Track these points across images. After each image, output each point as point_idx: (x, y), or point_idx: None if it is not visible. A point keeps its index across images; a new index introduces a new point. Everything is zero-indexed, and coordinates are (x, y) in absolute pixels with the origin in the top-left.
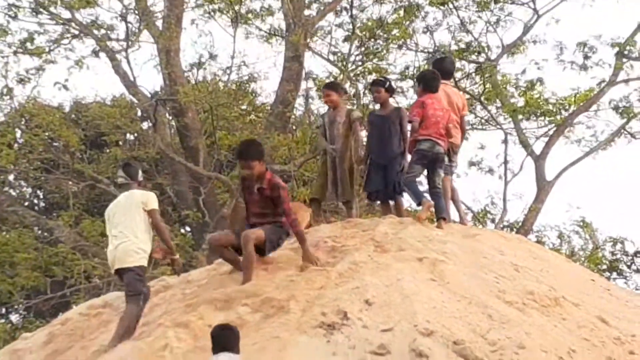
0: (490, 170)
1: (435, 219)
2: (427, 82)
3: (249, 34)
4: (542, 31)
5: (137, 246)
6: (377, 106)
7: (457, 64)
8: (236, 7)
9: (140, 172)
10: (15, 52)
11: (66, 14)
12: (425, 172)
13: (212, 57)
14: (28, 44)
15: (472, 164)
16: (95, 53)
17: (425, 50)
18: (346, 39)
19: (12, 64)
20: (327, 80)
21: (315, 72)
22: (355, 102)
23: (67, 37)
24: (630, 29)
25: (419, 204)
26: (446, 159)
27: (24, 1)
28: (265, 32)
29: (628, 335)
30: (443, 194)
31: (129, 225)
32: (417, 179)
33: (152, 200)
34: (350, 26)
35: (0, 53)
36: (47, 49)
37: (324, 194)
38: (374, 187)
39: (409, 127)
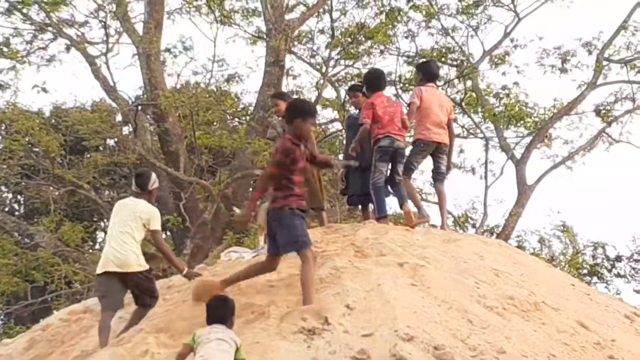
0: (472, 170)
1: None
2: (369, 81)
3: (235, 36)
4: (522, 34)
5: (138, 252)
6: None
7: (440, 71)
8: (216, 9)
9: (151, 181)
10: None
11: (39, 16)
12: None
13: (187, 49)
14: (4, 48)
15: (453, 165)
16: (67, 49)
17: (407, 54)
18: (327, 45)
19: None
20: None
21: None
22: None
23: (42, 39)
24: (610, 31)
25: (378, 219)
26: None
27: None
28: (251, 34)
29: (608, 340)
30: (441, 199)
31: (130, 232)
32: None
33: (154, 219)
34: (331, 31)
35: None
36: (23, 52)
37: None
38: (353, 191)
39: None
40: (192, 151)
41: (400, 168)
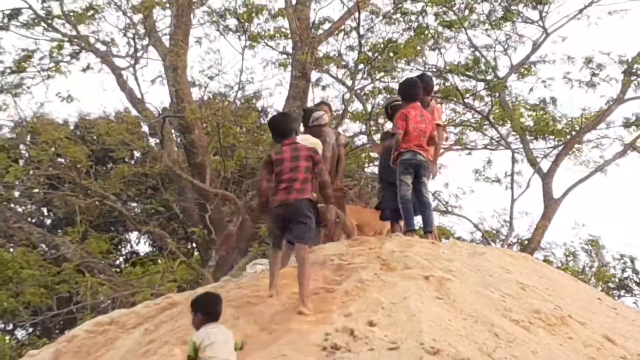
0: (498, 180)
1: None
2: (403, 91)
3: (264, 61)
4: (550, 50)
5: None
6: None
7: (467, 84)
8: (243, 34)
9: (312, 118)
10: (12, 72)
11: (65, 28)
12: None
13: (212, 78)
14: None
15: (477, 171)
16: (74, 56)
17: (434, 68)
18: (355, 61)
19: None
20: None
21: (322, 86)
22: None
23: (61, 54)
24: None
25: (406, 232)
26: None
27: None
28: (280, 52)
29: (634, 354)
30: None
31: None
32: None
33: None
34: (359, 47)
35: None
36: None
37: None
38: (386, 205)
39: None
40: (218, 163)
41: (425, 181)
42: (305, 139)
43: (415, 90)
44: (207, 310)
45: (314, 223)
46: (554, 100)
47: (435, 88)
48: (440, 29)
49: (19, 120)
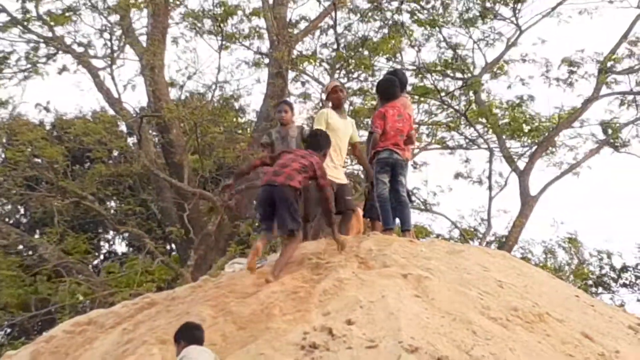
0: (480, 181)
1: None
2: (381, 89)
3: (238, 61)
4: (527, 49)
5: None
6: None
7: (441, 83)
8: (219, 34)
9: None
10: None
11: (42, 29)
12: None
13: (190, 77)
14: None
15: (459, 175)
16: (50, 57)
17: (412, 65)
18: (331, 59)
19: None
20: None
21: (299, 86)
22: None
23: (37, 56)
24: (611, 43)
25: (384, 230)
26: None
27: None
28: (255, 52)
29: (612, 351)
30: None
31: None
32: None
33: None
34: (336, 45)
35: None
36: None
37: None
38: (370, 203)
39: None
40: (196, 162)
41: (402, 180)
42: None
43: (393, 90)
44: (186, 336)
45: (298, 211)
46: (531, 98)
47: (409, 88)
48: (415, 27)
49: None
